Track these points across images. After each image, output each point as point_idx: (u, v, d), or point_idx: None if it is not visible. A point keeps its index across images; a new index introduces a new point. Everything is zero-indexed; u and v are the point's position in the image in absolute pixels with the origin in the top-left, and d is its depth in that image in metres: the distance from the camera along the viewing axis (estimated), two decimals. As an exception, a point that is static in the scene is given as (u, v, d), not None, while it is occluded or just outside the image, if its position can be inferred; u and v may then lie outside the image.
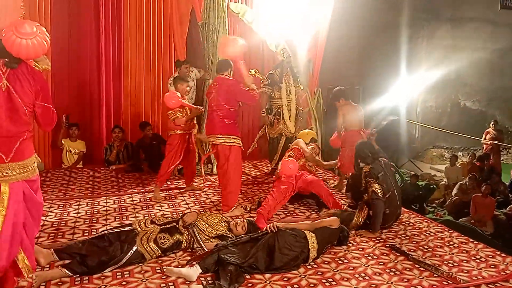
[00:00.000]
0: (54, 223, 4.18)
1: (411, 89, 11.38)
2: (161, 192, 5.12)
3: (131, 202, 4.89)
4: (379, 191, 4.03)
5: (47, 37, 2.72)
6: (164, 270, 3.22)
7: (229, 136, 4.53)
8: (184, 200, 5.04)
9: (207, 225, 3.72)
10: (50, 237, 3.83)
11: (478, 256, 3.73)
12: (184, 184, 5.48)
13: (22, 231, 2.74)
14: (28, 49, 2.61)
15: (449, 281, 3.26)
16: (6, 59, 2.67)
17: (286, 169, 4.57)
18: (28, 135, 2.77)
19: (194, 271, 3.15)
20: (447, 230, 4.36)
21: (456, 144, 12.26)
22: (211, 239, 3.64)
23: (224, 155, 4.55)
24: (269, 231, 3.51)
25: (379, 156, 4.33)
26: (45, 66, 3.37)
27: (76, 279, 3.08)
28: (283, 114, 5.89)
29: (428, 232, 4.26)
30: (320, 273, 3.34)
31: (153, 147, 6.37)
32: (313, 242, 3.49)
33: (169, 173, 5.08)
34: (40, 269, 3.17)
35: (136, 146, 6.46)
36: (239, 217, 4.29)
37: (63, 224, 4.15)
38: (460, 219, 6.68)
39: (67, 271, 3.07)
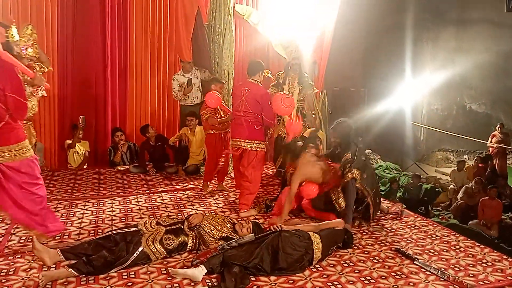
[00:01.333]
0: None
1: (416, 91, 11.35)
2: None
3: (137, 203, 4.90)
4: (358, 177, 4.08)
5: None
6: (170, 271, 3.22)
7: (257, 142, 4.64)
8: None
9: (212, 227, 3.72)
10: (56, 237, 3.83)
11: (484, 260, 3.71)
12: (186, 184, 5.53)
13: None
14: None
15: (455, 285, 3.24)
16: None
17: (308, 193, 4.43)
18: (7, 123, 3.12)
19: (200, 271, 3.15)
20: (453, 233, 4.33)
21: (462, 147, 12.21)
22: (216, 241, 3.63)
23: (249, 158, 4.63)
24: (273, 230, 3.51)
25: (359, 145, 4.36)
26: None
27: (82, 279, 3.09)
28: (283, 116, 5.88)
29: (434, 235, 4.24)
30: (326, 275, 3.33)
31: (156, 148, 6.39)
32: (318, 243, 3.48)
33: (212, 172, 5.33)
34: (46, 269, 3.19)
35: (141, 147, 6.47)
36: (244, 219, 4.29)
37: (69, 225, 4.16)
38: (470, 222, 6.64)
39: (73, 271, 3.08)
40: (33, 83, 3.44)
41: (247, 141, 4.63)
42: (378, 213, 4.54)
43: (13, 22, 3.70)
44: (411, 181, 8.69)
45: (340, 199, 4.20)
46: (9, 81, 3.08)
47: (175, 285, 3.11)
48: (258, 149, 4.64)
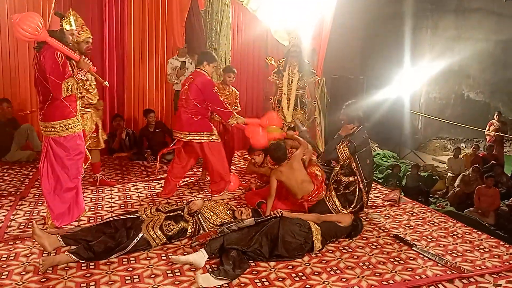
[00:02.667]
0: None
1: (414, 79, 11.34)
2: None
3: (136, 190, 4.90)
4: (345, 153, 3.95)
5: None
6: (171, 258, 3.24)
7: (199, 133, 4.47)
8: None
9: (212, 213, 3.74)
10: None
11: (481, 247, 3.75)
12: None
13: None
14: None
15: (453, 271, 3.27)
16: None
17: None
18: (52, 101, 3.62)
19: (201, 257, 3.17)
20: (450, 220, 4.37)
21: (459, 136, 12.25)
22: (216, 227, 3.65)
23: (198, 150, 4.53)
24: (274, 216, 3.52)
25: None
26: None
27: (82, 265, 3.11)
28: (282, 103, 5.85)
29: (432, 222, 4.28)
30: (325, 261, 3.36)
31: (156, 135, 6.38)
32: (317, 234, 3.48)
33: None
34: (46, 254, 3.20)
35: (140, 134, 6.46)
36: (244, 205, 4.30)
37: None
38: (465, 210, 6.70)
39: (73, 257, 3.09)
40: (78, 66, 3.70)
41: (186, 133, 4.49)
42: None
43: (70, 13, 3.91)
44: (410, 170, 8.73)
45: (335, 199, 4.04)
46: (49, 64, 3.51)
47: (176, 270, 3.13)
48: (201, 140, 4.47)
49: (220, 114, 4.57)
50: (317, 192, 4.12)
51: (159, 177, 5.41)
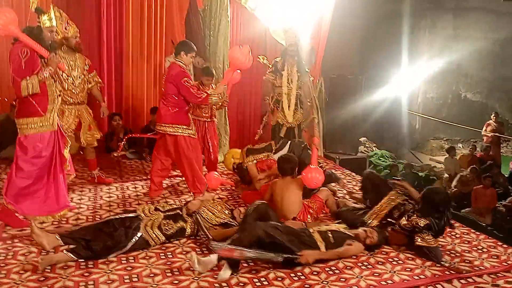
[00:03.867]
0: (71, 206, 4.17)
1: (412, 79, 11.35)
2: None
3: (134, 189, 4.89)
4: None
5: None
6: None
7: (174, 126, 4.41)
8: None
9: (211, 213, 3.74)
10: (54, 223, 3.83)
11: (480, 247, 3.76)
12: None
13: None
14: None
15: (451, 271, 3.29)
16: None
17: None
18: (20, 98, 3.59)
19: (226, 273, 3.05)
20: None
21: (456, 136, 12.28)
22: (214, 227, 3.66)
23: (171, 144, 4.46)
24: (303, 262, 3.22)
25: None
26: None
27: (81, 264, 3.10)
28: (282, 102, 5.84)
29: (430, 222, 4.28)
30: (323, 262, 3.36)
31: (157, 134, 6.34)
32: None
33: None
34: (45, 253, 3.19)
35: (142, 132, 6.43)
36: (242, 205, 4.30)
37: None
38: (462, 210, 6.72)
39: (72, 255, 3.09)
40: (47, 64, 3.61)
41: (162, 124, 4.44)
42: None
43: (50, 8, 3.80)
44: (403, 170, 8.75)
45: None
46: (11, 61, 3.50)
47: (174, 270, 3.13)
48: (175, 133, 4.40)
49: (197, 103, 4.53)
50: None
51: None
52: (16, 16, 3.46)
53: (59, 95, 3.86)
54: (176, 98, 4.38)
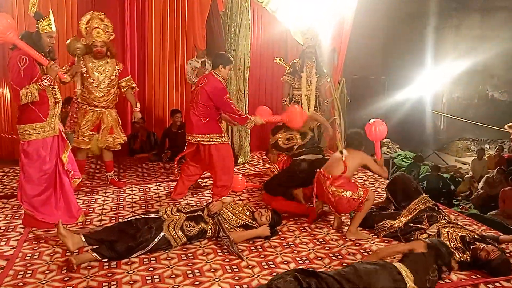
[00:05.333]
0: (82, 209, 4.26)
1: (437, 79, 11.13)
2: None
3: (156, 191, 4.95)
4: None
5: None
6: None
7: (208, 135, 4.40)
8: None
9: (232, 215, 3.74)
10: (78, 223, 3.92)
11: (507, 250, 3.63)
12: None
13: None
14: None
15: (478, 275, 3.20)
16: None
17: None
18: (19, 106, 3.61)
19: None
20: (475, 223, 4.27)
21: (483, 137, 11.97)
22: (236, 228, 3.66)
23: (205, 153, 4.45)
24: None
25: None
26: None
27: (104, 264, 3.15)
28: (301, 104, 5.81)
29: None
30: (328, 248, 3.36)
31: (178, 136, 6.40)
32: (406, 272, 2.74)
33: None
34: (69, 254, 3.25)
35: (163, 134, 6.52)
36: (263, 206, 4.29)
37: (91, 211, 4.24)
38: (489, 213, 6.53)
39: (96, 255, 3.14)
40: (46, 72, 3.59)
41: (195, 135, 4.43)
42: None
43: (49, 13, 3.72)
44: (430, 171, 8.58)
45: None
46: (10, 69, 3.51)
47: (196, 271, 3.14)
48: (211, 142, 4.39)
49: (236, 121, 4.54)
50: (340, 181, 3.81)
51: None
52: (14, 22, 3.42)
53: (57, 101, 3.80)
54: (209, 108, 4.37)
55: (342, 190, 3.76)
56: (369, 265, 2.76)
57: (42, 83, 3.54)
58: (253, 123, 4.47)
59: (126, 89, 4.89)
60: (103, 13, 4.83)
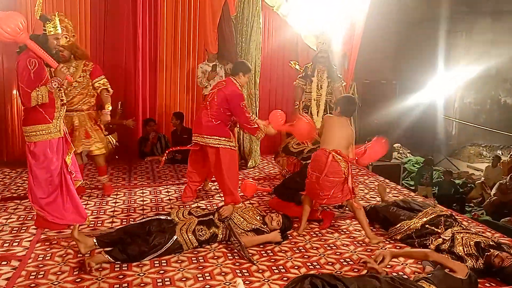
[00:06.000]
0: (94, 211, 4.30)
1: (448, 84, 11.03)
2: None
3: (167, 193, 4.97)
4: None
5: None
6: None
7: (217, 138, 4.37)
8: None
9: (242, 219, 3.74)
10: (90, 225, 3.95)
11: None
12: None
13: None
14: None
15: (492, 284, 3.15)
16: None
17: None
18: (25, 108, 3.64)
19: None
20: (488, 230, 4.21)
21: (496, 142, 11.80)
22: (246, 233, 3.65)
23: (211, 157, 4.42)
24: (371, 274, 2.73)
25: None
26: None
27: (115, 266, 3.17)
28: (311, 108, 5.81)
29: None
30: (339, 253, 3.31)
31: (183, 141, 6.40)
32: None
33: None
34: (81, 256, 3.27)
35: (172, 136, 6.55)
36: (273, 211, 4.28)
37: (102, 213, 4.27)
38: (502, 220, 6.45)
39: (109, 258, 3.17)
40: (54, 75, 3.60)
41: (204, 136, 4.39)
42: None
43: (54, 16, 3.72)
44: (442, 177, 8.49)
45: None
46: (20, 71, 3.48)
47: (206, 274, 3.14)
48: (218, 145, 4.36)
49: (246, 130, 4.55)
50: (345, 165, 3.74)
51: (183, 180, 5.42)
52: (26, 22, 3.43)
53: (64, 103, 3.82)
54: (222, 111, 4.36)
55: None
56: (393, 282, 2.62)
57: (52, 85, 3.55)
58: (263, 134, 4.49)
59: (100, 90, 4.60)
60: (62, 14, 4.62)
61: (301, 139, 4.64)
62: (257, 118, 4.63)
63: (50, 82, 3.55)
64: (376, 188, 5.16)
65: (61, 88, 3.77)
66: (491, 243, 3.40)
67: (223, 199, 4.61)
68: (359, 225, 3.93)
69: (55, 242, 3.55)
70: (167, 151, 4.80)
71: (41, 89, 3.51)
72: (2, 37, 3.32)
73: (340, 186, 3.77)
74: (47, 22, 3.60)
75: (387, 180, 5.91)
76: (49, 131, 3.69)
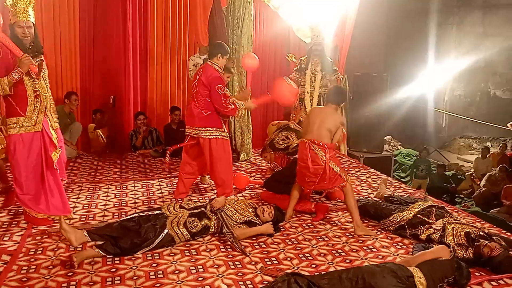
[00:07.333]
0: (85, 205, 4.27)
1: (439, 77, 11.11)
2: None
3: (158, 187, 4.95)
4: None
5: None
6: None
7: (208, 129, 4.35)
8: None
9: (234, 211, 3.74)
10: (81, 219, 3.92)
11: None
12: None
13: None
14: None
15: (481, 273, 3.20)
16: None
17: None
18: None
19: None
20: (478, 220, 4.27)
21: (485, 134, 11.95)
22: (238, 225, 3.66)
23: (205, 148, 4.39)
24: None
25: None
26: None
27: (107, 260, 3.15)
28: (305, 101, 5.81)
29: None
30: (331, 244, 3.33)
31: (177, 133, 6.40)
32: (420, 278, 2.70)
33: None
34: (73, 249, 3.25)
35: (164, 131, 6.51)
36: (265, 203, 4.29)
37: (94, 207, 4.24)
38: (491, 211, 6.54)
39: (101, 252, 3.15)
40: (17, 65, 3.43)
41: (195, 128, 4.37)
42: None
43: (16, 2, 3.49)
44: (435, 170, 8.57)
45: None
46: None
47: (199, 267, 3.14)
48: (211, 136, 4.34)
49: (223, 112, 4.41)
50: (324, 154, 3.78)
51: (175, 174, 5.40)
52: None
53: (38, 95, 3.59)
54: (209, 100, 4.31)
55: (333, 163, 3.83)
56: (376, 267, 2.77)
57: (12, 76, 3.40)
58: (243, 110, 4.45)
59: None
60: None
61: (284, 101, 4.66)
62: (232, 98, 4.54)
63: (12, 73, 3.40)
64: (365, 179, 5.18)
65: (36, 80, 3.56)
66: (481, 233, 3.45)
67: (216, 191, 4.60)
68: (351, 216, 3.95)
69: (46, 236, 3.52)
70: (168, 151, 4.73)
71: (1, 79, 3.39)
72: None
73: (324, 174, 3.81)
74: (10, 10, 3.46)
75: (378, 172, 5.94)
76: (21, 124, 3.52)
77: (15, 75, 3.41)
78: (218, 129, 4.39)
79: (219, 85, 4.27)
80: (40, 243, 3.41)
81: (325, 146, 3.82)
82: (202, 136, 4.38)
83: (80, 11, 6.32)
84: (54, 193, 3.74)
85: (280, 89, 4.47)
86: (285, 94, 4.43)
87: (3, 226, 3.72)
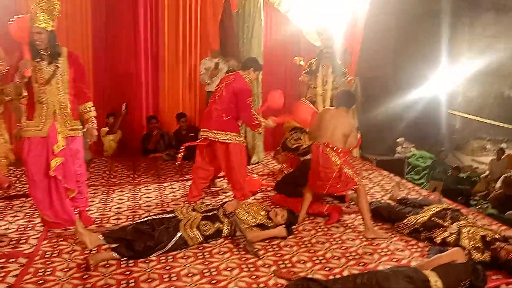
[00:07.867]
0: (99, 208, 4.31)
1: (451, 79, 11.01)
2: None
3: (171, 190, 4.97)
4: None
5: None
6: None
7: (227, 133, 4.33)
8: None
9: (247, 214, 3.75)
10: (96, 222, 3.96)
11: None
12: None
13: None
14: None
15: (498, 276, 3.15)
16: None
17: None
18: None
19: None
20: (494, 223, 4.21)
21: (499, 136, 11.78)
22: (251, 228, 3.66)
23: (221, 153, 4.38)
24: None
25: None
26: None
27: (122, 262, 3.18)
28: (317, 104, 5.80)
29: (474, 225, 4.12)
30: (344, 247, 3.30)
31: (188, 139, 6.40)
32: (436, 281, 2.68)
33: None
34: (88, 252, 3.29)
35: (174, 136, 6.55)
36: (278, 206, 4.28)
37: (108, 210, 4.28)
38: (507, 213, 6.43)
39: (115, 254, 3.17)
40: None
41: (213, 131, 4.33)
42: None
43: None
44: (450, 172, 8.48)
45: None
46: None
47: (212, 269, 3.15)
48: (228, 141, 4.31)
49: (248, 125, 4.56)
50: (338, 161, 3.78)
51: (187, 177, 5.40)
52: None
53: (41, 102, 3.50)
54: (233, 106, 4.33)
55: (346, 166, 3.82)
56: (391, 272, 2.75)
57: (15, 80, 3.40)
58: (263, 127, 4.52)
59: None
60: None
61: (303, 123, 4.66)
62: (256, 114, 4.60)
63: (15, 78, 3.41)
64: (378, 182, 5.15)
65: (41, 86, 3.47)
66: (497, 236, 3.40)
67: (233, 194, 4.57)
68: (362, 218, 3.93)
69: (62, 239, 3.56)
70: (180, 150, 4.68)
71: (6, 85, 3.44)
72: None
73: (336, 178, 3.80)
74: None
75: (391, 175, 5.90)
76: (29, 128, 3.50)
77: (16, 78, 3.44)
78: (236, 134, 4.40)
79: (251, 98, 4.36)
80: (56, 246, 3.44)
81: (340, 150, 3.81)
82: (220, 140, 4.35)
83: (92, 17, 6.40)
84: (56, 203, 3.59)
85: (301, 111, 4.51)
86: (306, 117, 4.45)
87: (19, 229, 3.78)
